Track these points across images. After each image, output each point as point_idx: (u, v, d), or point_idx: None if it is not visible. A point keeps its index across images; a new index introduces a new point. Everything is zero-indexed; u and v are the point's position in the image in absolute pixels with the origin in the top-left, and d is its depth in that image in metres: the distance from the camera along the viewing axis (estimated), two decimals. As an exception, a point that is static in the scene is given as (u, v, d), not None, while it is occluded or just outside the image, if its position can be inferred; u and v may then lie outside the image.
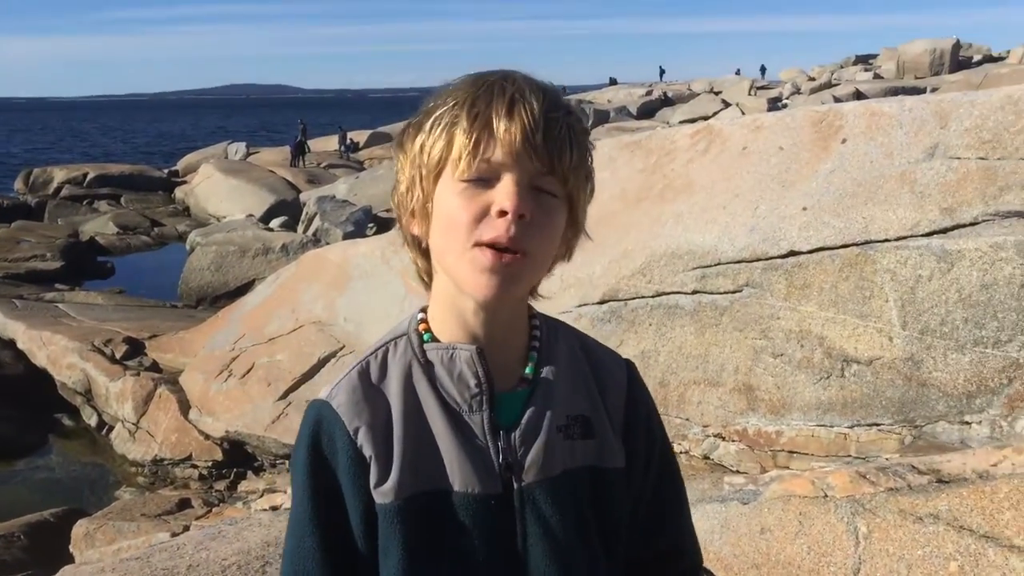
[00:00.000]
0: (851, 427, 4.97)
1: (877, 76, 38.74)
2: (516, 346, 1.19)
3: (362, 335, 8.13)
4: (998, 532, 2.54)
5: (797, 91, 36.30)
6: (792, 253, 5.15)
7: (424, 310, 1.20)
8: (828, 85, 36.38)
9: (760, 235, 5.30)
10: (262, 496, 6.57)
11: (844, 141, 5.57)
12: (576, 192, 1.12)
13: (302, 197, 22.87)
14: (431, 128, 1.09)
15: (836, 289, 4.94)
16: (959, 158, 5.01)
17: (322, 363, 8.25)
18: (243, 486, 7.75)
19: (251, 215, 20.93)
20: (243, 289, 13.77)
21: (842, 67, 44.66)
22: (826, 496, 2.89)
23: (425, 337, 1.17)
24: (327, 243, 14.66)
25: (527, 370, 1.19)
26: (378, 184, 22.67)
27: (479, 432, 1.14)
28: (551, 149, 1.06)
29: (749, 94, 37.28)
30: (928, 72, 36.66)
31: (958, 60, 37.95)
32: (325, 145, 36.30)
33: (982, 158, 4.92)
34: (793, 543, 2.83)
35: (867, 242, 4.92)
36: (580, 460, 1.18)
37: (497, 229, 1.05)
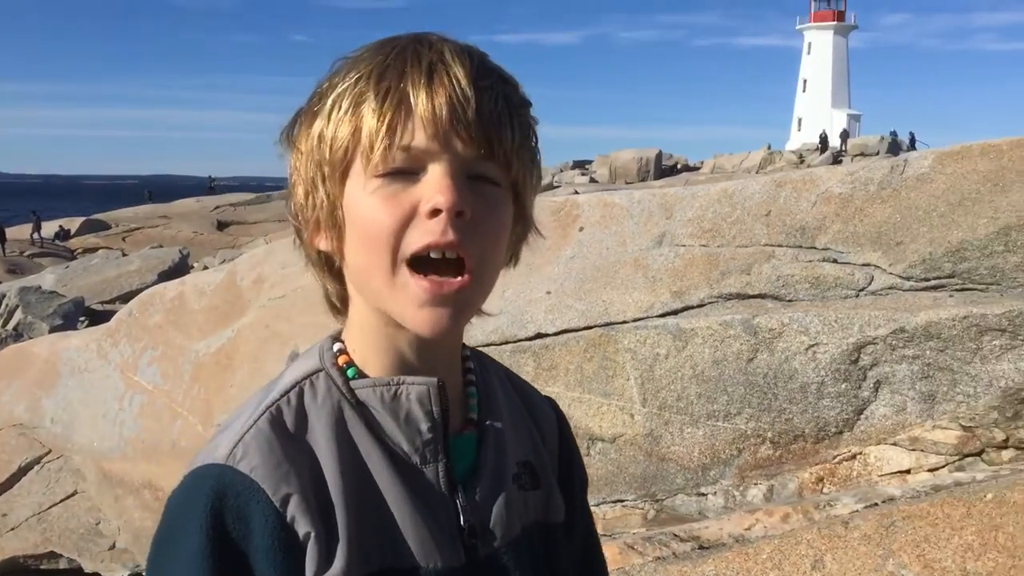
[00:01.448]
0: (597, 505, 5.06)
1: (593, 180, 41.99)
2: (457, 381, 0.99)
3: (72, 437, 7.33)
4: (764, 592, 2.63)
5: (522, 191, 38.43)
6: (539, 335, 5.26)
7: (337, 338, 0.96)
8: (550, 187, 38.85)
9: (508, 318, 5.38)
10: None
11: (582, 229, 5.85)
12: (522, 179, 0.90)
13: (1, 288, 20.60)
14: (331, 111, 0.86)
15: (581, 369, 5.08)
16: (684, 245, 5.41)
17: (23, 471, 7.35)
18: (-81, 622, 6.58)
19: (-64, 308, 18.50)
20: (-77, 391, 12.02)
21: (562, 170, 47.97)
22: (597, 572, 2.87)
23: (350, 373, 0.93)
24: (30, 338, 13.20)
25: (472, 410, 0.99)
26: (91, 275, 20.94)
27: (435, 488, 0.92)
28: (487, 126, 0.84)
29: (480, 191, 38.95)
30: (636, 177, 40.32)
31: (661, 168, 42.16)
32: (26, 233, 33.30)
33: (704, 245, 5.34)
34: (566, 624, 2.77)
35: (608, 324, 5.13)
36: (532, 515, 1.00)
37: (430, 233, 0.83)
